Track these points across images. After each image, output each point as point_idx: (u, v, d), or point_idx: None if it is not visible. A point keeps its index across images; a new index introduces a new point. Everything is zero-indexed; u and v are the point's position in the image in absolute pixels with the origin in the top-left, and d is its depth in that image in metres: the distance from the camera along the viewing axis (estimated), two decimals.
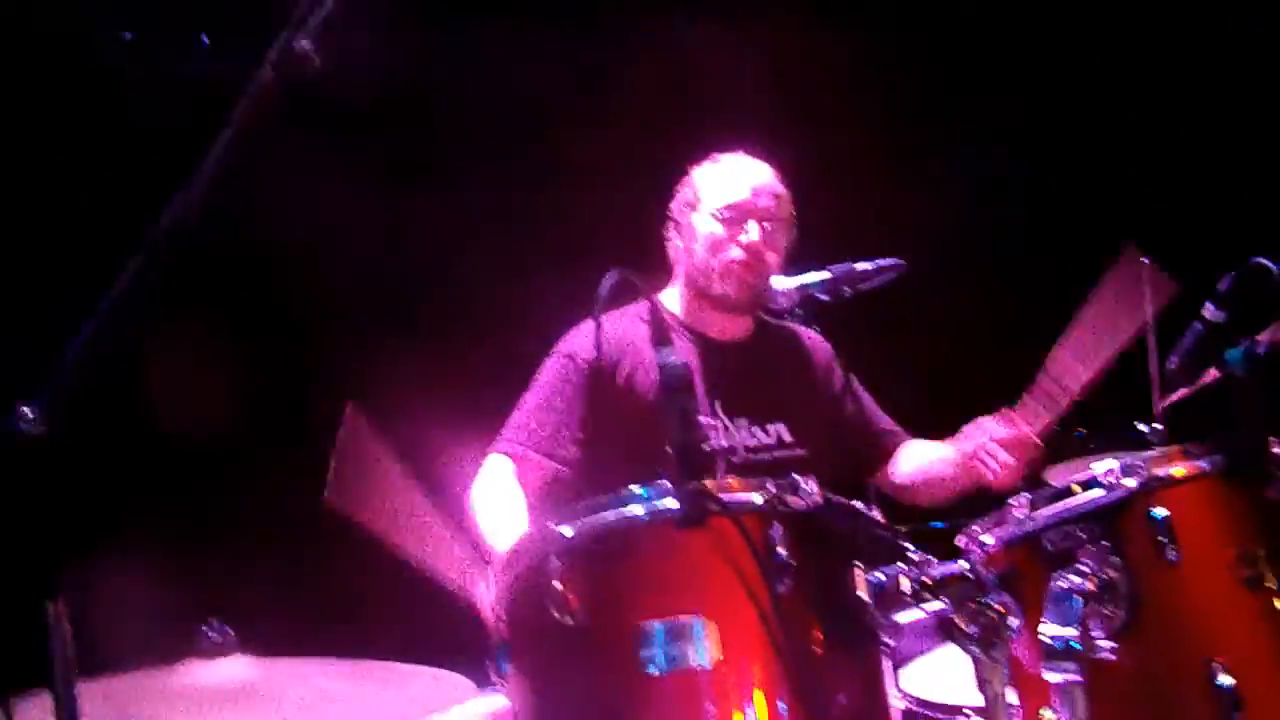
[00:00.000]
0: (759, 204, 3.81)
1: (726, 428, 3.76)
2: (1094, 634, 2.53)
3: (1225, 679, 2.57)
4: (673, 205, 3.89)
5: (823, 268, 4.00)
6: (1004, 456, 3.43)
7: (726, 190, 3.81)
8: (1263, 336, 2.74)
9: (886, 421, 3.94)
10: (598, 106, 5.05)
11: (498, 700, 2.88)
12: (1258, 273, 2.70)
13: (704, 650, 2.40)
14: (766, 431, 3.80)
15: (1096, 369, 3.07)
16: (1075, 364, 3.09)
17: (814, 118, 5.16)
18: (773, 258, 3.83)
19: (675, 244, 3.86)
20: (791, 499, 2.49)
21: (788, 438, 3.78)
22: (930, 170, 5.32)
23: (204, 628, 2.89)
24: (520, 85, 5.01)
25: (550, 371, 3.77)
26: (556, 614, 2.46)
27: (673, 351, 2.52)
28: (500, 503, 3.58)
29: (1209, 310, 2.77)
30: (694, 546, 2.46)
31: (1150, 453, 2.74)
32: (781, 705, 2.39)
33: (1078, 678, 2.44)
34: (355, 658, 2.95)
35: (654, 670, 2.40)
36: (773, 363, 3.91)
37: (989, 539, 2.77)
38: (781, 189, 3.85)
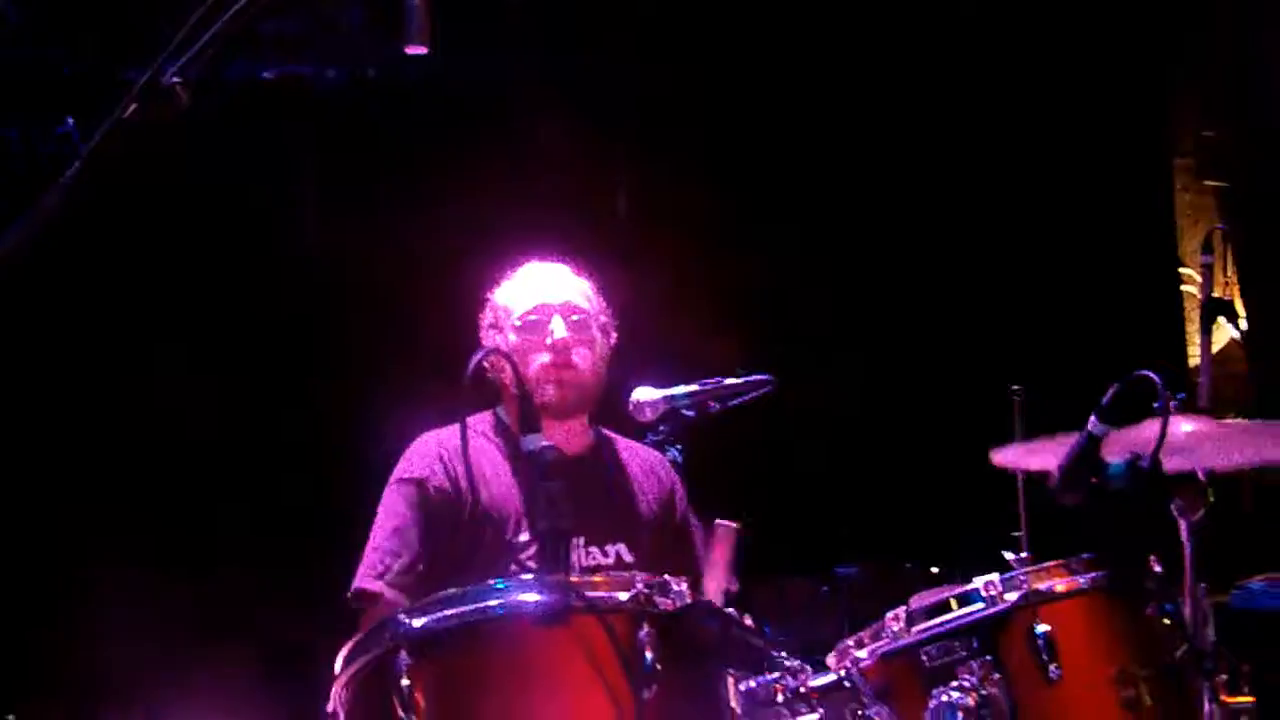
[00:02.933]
0: (559, 299, 3.65)
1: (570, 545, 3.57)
2: None
3: None
4: (481, 334, 3.74)
5: (691, 381, 3.90)
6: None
7: (523, 298, 3.64)
8: (1147, 450, 2.67)
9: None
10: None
11: None
12: (1141, 385, 2.65)
13: None
14: (605, 552, 3.61)
15: None
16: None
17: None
18: (584, 353, 3.61)
19: (493, 370, 3.68)
20: (660, 599, 2.34)
21: (627, 557, 3.58)
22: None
23: None
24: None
25: (392, 499, 3.57)
26: (402, 713, 2.26)
27: (540, 438, 2.37)
28: None
29: (1093, 423, 2.70)
30: (554, 645, 2.28)
31: (1032, 567, 2.64)
32: None
33: None
34: None
35: None
36: (610, 479, 3.69)
37: (862, 654, 2.62)
38: (584, 282, 3.73)
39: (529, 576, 2.32)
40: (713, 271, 4.98)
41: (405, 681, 2.27)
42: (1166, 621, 2.69)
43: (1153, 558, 2.70)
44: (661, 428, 3.92)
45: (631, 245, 4.44)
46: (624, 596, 2.32)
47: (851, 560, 4.75)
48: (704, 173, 5.13)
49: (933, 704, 2.44)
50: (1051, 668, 2.53)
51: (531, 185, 4.90)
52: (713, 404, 3.93)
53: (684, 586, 2.37)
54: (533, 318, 3.60)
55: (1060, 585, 2.62)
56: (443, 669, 2.29)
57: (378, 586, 3.36)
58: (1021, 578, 2.60)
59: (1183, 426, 3.28)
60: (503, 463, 3.59)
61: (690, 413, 3.91)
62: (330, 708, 2.46)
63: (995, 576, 2.59)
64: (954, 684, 2.48)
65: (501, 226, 4.53)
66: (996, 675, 2.51)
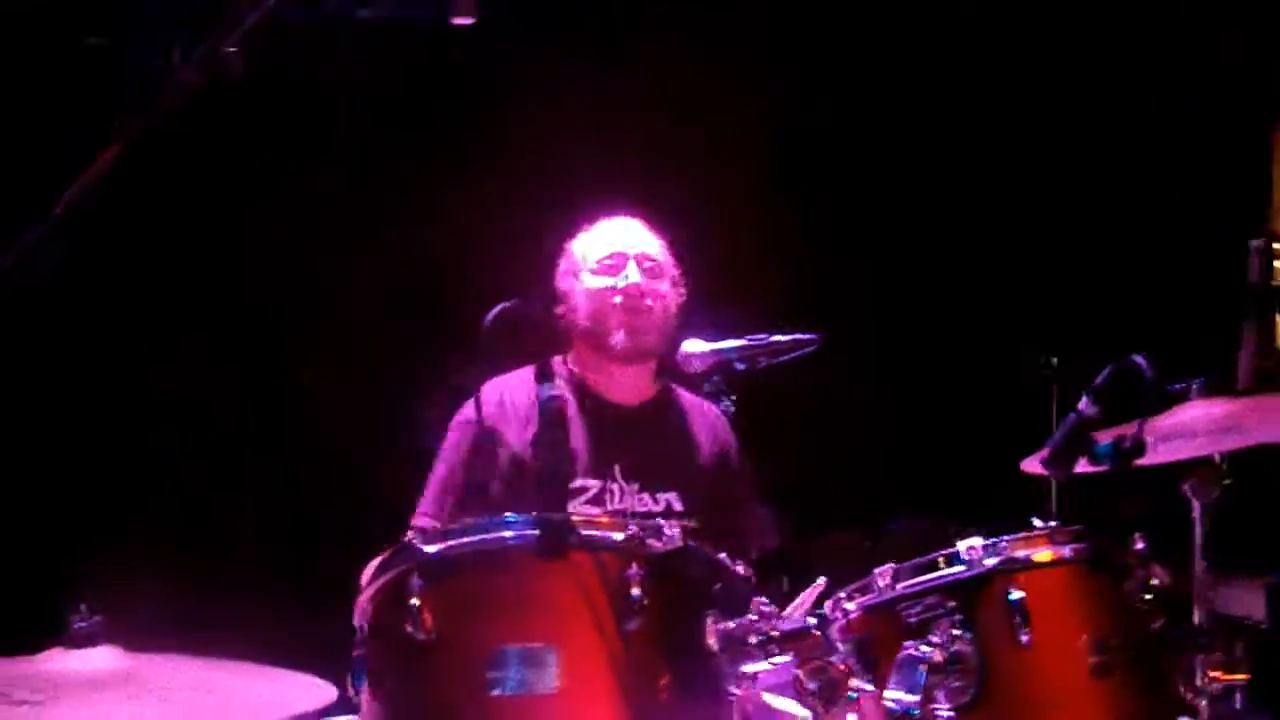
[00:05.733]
0: (634, 247, 3.88)
1: (623, 491, 3.79)
2: (937, 705, 2.57)
3: None
4: (557, 282, 3.94)
5: (740, 336, 4.07)
6: None
7: (600, 244, 3.88)
8: (1131, 431, 2.81)
9: (751, 525, 3.96)
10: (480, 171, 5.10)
11: None
12: (1131, 370, 2.78)
13: (550, 678, 2.45)
14: (656, 499, 3.82)
15: None
16: None
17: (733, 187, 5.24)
18: (655, 301, 3.85)
19: (567, 314, 3.91)
20: (652, 541, 2.54)
21: (677, 506, 3.80)
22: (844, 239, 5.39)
23: (72, 615, 2.92)
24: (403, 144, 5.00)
25: (449, 446, 3.79)
26: (411, 630, 2.50)
27: (553, 387, 2.57)
28: None
29: (1084, 404, 2.84)
30: (550, 576, 2.50)
31: (1016, 535, 2.80)
32: None
33: None
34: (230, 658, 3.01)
35: (500, 692, 2.44)
36: (670, 430, 3.92)
37: (851, 605, 2.82)
38: (657, 237, 3.93)
39: (532, 515, 2.51)
40: (764, 225, 5.12)
41: (415, 601, 2.50)
42: (1147, 596, 2.83)
43: (1136, 535, 2.84)
44: (714, 378, 4.11)
45: (685, 197, 4.59)
46: (618, 537, 2.52)
47: (901, 516, 4.89)
48: (756, 126, 5.25)
49: (900, 655, 2.61)
50: (1022, 632, 2.70)
51: (589, 142, 5.05)
52: (761, 359, 4.11)
53: (675, 531, 2.57)
54: (608, 262, 3.83)
55: (1040, 554, 2.78)
56: (449, 592, 2.51)
57: (431, 525, 3.61)
58: (1003, 544, 2.76)
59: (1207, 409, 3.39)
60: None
61: (741, 365, 4.10)
62: (356, 621, 2.71)
63: (978, 541, 2.76)
64: (925, 639, 2.66)
65: (564, 186, 4.72)
66: (968, 635, 2.68)
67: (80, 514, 4.35)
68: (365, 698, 2.61)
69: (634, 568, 2.49)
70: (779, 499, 4.05)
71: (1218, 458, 3.32)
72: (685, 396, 4.00)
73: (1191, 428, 3.25)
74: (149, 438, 4.54)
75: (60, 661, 2.88)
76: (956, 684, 2.62)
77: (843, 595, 2.85)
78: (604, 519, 2.59)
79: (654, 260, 3.88)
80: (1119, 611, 2.80)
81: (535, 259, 3.93)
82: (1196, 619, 3.37)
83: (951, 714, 2.58)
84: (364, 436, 4.58)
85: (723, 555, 2.65)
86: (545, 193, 4.72)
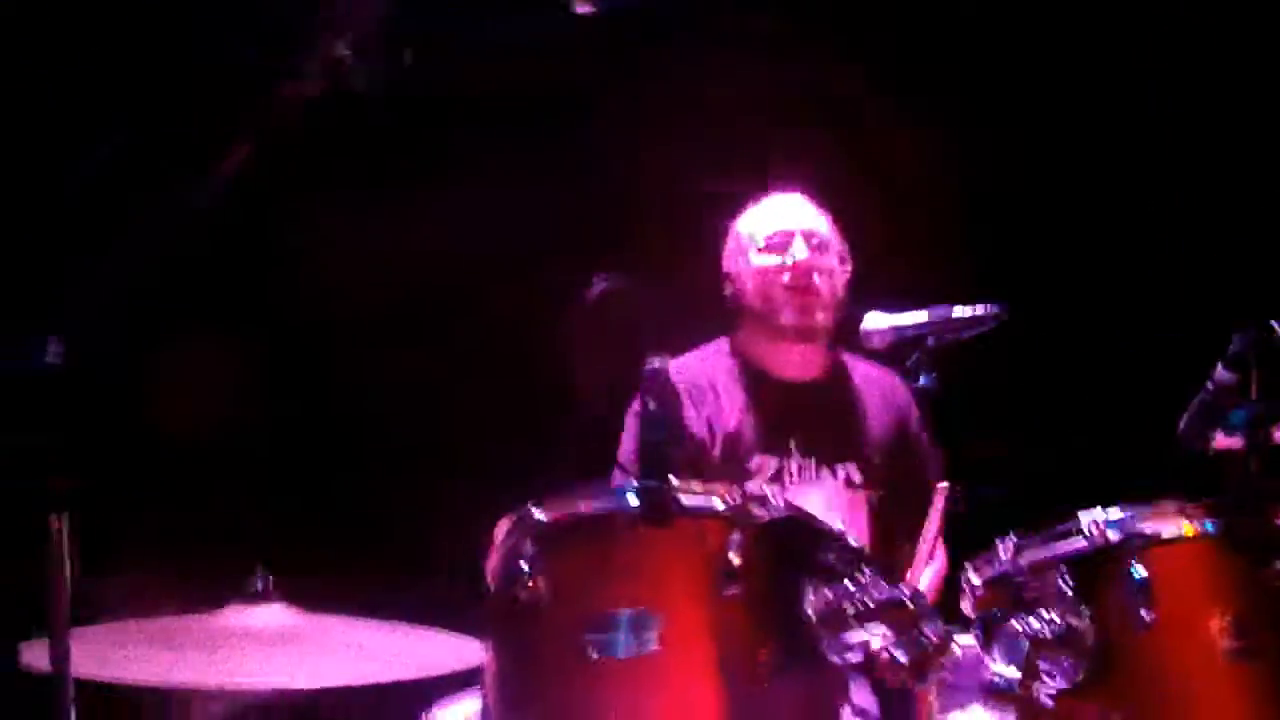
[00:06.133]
0: (801, 224, 3.89)
1: (801, 467, 3.83)
2: (1043, 683, 2.53)
3: None
4: (724, 262, 3.98)
5: (920, 309, 4.02)
6: None
7: (766, 222, 3.91)
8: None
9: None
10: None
11: None
12: (1268, 335, 2.65)
13: (649, 642, 2.52)
14: (834, 472, 3.85)
15: None
16: None
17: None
18: (824, 278, 3.86)
19: (735, 294, 3.94)
20: (756, 510, 2.58)
21: (856, 478, 3.82)
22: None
23: (249, 576, 3.17)
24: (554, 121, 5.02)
25: (632, 424, 3.83)
26: (521, 593, 2.61)
27: (659, 359, 2.64)
28: None
29: (1219, 371, 2.73)
30: (654, 543, 2.57)
31: (1145, 508, 2.71)
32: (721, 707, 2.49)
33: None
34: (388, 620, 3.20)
35: (598, 655, 2.53)
36: (844, 403, 3.93)
37: (976, 579, 2.79)
38: (823, 214, 3.93)
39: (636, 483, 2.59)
40: (944, 197, 5.02)
41: (525, 566, 2.61)
42: None
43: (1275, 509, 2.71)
44: (915, 355, 4.07)
45: (863, 166, 4.56)
46: (720, 505, 2.58)
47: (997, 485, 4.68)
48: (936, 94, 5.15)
49: (1006, 627, 2.58)
50: (1144, 611, 2.61)
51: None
52: (945, 333, 4.02)
53: (782, 500, 2.61)
54: (775, 240, 3.87)
55: (1168, 530, 2.68)
56: (557, 557, 2.61)
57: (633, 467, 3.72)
58: (1130, 517, 2.68)
59: None
60: (736, 388, 3.88)
61: (932, 340, 4.04)
62: (488, 579, 2.85)
63: (1102, 513, 2.69)
64: (1037, 613, 2.61)
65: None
66: (1086, 611, 2.62)
67: (259, 484, 4.65)
68: (487, 658, 2.74)
69: (736, 535, 2.55)
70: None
71: None
72: (859, 368, 3.99)
73: None
74: (329, 415, 4.82)
75: (237, 616, 3.14)
76: (1068, 663, 2.56)
77: (969, 567, 2.82)
78: (701, 486, 2.62)
79: (821, 237, 3.89)
80: (1259, 593, 2.68)
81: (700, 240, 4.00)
82: None
83: (1052, 694, 2.52)
84: (525, 405, 4.71)
85: (833, 525, 2.67)
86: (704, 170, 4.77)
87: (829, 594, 2.54)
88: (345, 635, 3.18)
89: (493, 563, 2.76)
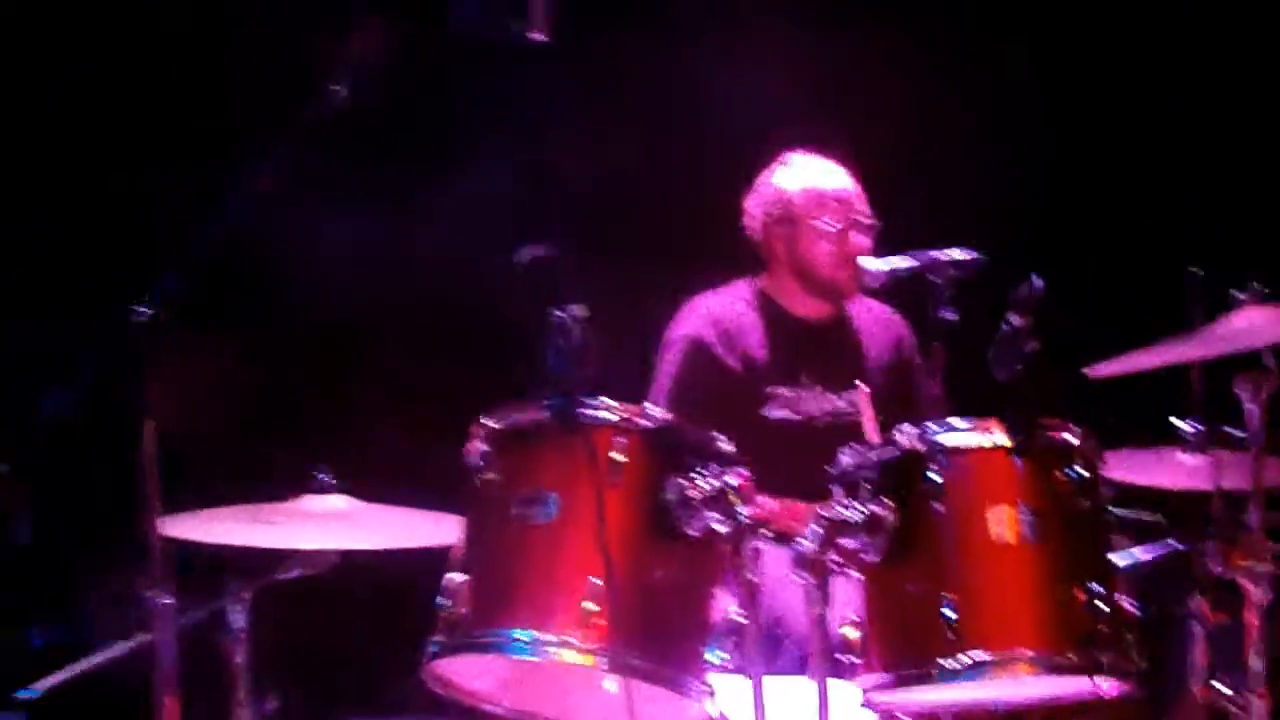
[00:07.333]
0: (857, 209, 4.72)
1: (811, 394, 4.69)
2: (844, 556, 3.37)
3: (949, 612, 3.32)
4: (761, 209, 4.82)
5: (905, 253, 4.41)
6: None
7: (801, 184, 4.74)
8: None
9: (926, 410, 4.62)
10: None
11: None
12: (1028, 284, 3.42)
13: (554, 513, 3.42)
14: (841, 399, 4.69)
15: None
16: None
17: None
18: (859, 236, 4.74)
19: (768, 244, 4.78)
20: (640, 420, 3.48)
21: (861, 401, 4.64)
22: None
23: (315, 471, 4.20)
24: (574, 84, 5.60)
25: (674, 358, 4.76)
26: (479, 478, 3.55)
27: (578, 309, 3.54)
28: None
29: (1010, 315, 3.48)
30: (565, 444, 3.46)
31: (951, 427, 3.46)
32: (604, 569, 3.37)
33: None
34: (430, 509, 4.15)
35: (523, 521, 3.44)
36: (854, 336, 4.85)
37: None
38: (861, 191, 4.74)
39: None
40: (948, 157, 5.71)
41: (481, 461, 3.54)
42: (1076, 479, 3.41)
43: (1072, 425, 3.44)
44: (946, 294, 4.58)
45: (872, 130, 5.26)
46: (613, 417, 3.46)
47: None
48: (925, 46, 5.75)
49: (824, 510, 3.39)
50: (936, 504, 3.38)
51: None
52: (933, 276, 4.50)
53: (662, 413, 3.50)
54: (835, 224, 4.78)
55: (965, 441, 3.44)
56: (501, 453, 3.52)
57: None
58: (932, 432, 3.44)
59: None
60: (758, 329, 4.75)
61: (933, 277, 4.53)
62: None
63: (913, 429, 3.46)
64: (853, 504, 3.42)
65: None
66: (889, 501, 3.40)
67: (324, 390, 5.71)
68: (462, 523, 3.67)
69: (621, 439, 3.43)
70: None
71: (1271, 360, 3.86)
72: (864, 307, 4.86)
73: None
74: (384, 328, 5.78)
75: (303, 504, 4.19)
76: (869, 541, 3.37)
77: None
78: (605, 404, 3.47)
79: (870, 221, 4.68)
80: (1049, 491, 3.40)
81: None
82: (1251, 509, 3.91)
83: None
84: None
85: (708, 433, 3.52)
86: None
87: (682, 483, 3.40)
88: (389, 519, 4.21)
89: (466, 458, 3.71)
